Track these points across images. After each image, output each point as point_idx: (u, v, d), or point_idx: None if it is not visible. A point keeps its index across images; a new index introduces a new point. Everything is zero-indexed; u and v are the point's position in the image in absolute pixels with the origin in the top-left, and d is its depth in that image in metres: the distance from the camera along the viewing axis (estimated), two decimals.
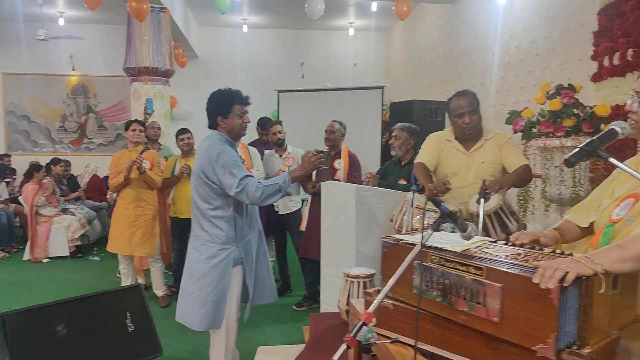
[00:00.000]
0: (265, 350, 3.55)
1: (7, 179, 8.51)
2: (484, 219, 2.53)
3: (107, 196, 8.25)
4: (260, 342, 4.07)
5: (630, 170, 1.48)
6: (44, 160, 8.10)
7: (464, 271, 1.49)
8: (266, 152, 5.47)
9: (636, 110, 1.63)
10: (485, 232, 2.58)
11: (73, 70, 9.77)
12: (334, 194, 3.92)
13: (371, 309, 1.47)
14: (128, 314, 3.38)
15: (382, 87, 7.57)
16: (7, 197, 8.15)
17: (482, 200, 2.51)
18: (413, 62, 9.25)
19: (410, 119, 5.75)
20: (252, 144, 5.83)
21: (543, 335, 1.30)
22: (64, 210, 7.48)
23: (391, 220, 3.05)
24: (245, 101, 2.97)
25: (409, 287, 1.65)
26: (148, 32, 6.91)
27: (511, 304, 1.37)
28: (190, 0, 8.78)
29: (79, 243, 7.30)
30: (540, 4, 5.22)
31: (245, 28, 9.79)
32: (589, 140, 1.57)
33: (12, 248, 7.52)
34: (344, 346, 1.43)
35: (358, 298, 2.53)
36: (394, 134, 4.29)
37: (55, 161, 7.89)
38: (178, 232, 5.27)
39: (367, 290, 1.96)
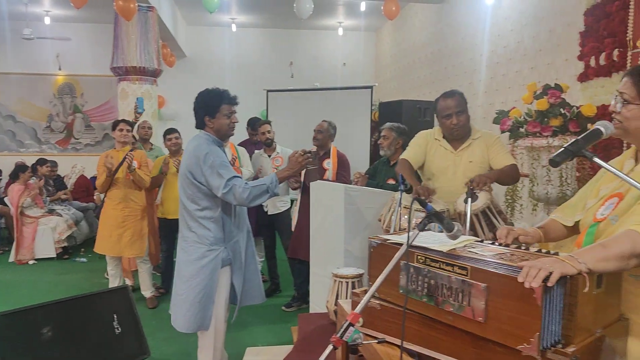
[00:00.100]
0: (254, 352, 3.54)
1: None
2: (471, 218, 2.54)
3: (95, 197, 8.17)
4: (249, 343, 4.06)
5: (614, 169, 1.49)
6: (30, 161, 8.01)
7: (449, 271, 1.49)
8: (256, 152, 5.46)
9: (619, 110, 1.64)
10: (473, 231, 2.59)
11: (59, 69, 9.68)
12: (322, 194, 3.91)
13: (358, 309, 1.46)
14: (115, 316, 3.34)
15: (371, 87, 7.58)
16: None
17: (469, 199, 2.52)
18: (402, 61, 9.27)
19: (399, 119, 5.76)
20: (242, 144, 5.82)
21: (527, 334, 1.31)
22: (51, 211, 7.40)
23: (379, 220, 3.05)
24: (233, 101, 2.95)
25: (395, 287, 1.65)
26: (135, 31, 6.87)
27: (496, 303, 1.38)
28: None
29: (65, 244, 7.23)
30: (528, 4, 5.26)
31: (234, 27, 9.75)
32: (573, 140, 1.58)
33: None
34: (330, 347, 1.43)
35: (346, 298, 2.53)
36: (382, 133, 4.29)
37: (41, 161, 7.81)
38: (166, 232, 5.24)
39: (354, 290, 1.96)
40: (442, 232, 1.70)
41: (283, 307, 4.97)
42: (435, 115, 3.21)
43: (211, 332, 2.93)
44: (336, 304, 2.51)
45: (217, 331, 2.95)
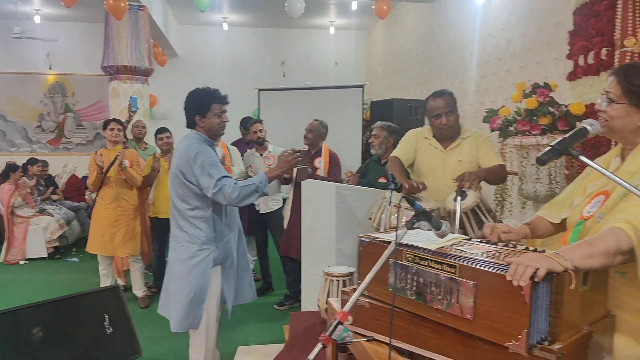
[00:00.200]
0: (245, 350, 3.55)
1: None
2: (461, 216, 2.55)
3: (86, 196, 8.14)
4: (241, 342, 4.07)
5: (599, 168, 1.51)
6: (20, 161, 7.96)
7: (437, 269, 1.51)
8: (248, 151, 5.46)
9: (605, 109, 1.66)
10: (463, 229, 2.60)
11: (50, 68, 9.60)
12: (314, 193, 3.92)
13: (346, 307, 1.47)
14: (106, 316, 3.33)
15: (362, 86, 7.59)
16: None
17: (459, 198, 2.54)
18: (393, 60, 9.29)
19: (390, 118, 5.79)
20: (235, 143, 5.82)
21: (515, 331, 1.32)
22: (42, 211, 7.37)
23: (370, 219, 3.06)
24: (223, 100, 2.95)
25: (384, 286, 1.66)
26: (126, 30, 6.83)
27: (484, 301, 1.39)
28: None
29: (57, 244, 7.20)
30: (517, 4, 5.28)
31: (225, 26, 9.72)
32: (560, 138, 1.59)
33: None
34: (319, 345, 1.43)
35: (337, 297, 2.54)
36: (373, 132, 4.31)
37: (32, 161, 7.76)
38: (158, 232, 5.23)
39: (343, 289, 1.97)
40: (431, 230, 1.72)
41: (275, 306, 4.98)
42: (425, 114, 3.22)
43: (203, 332, 2.93)
44: (327, 302, 2.51)
45: (208, 330, 2.95)
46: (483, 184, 3.02)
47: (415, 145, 3.17)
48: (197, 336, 2.96)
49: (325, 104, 7.38)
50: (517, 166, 3.43)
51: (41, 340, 2.97)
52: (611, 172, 1.56)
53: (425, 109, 3.12)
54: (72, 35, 9.56)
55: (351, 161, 6.50)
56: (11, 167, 7.31)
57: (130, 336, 3.44)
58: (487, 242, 1.71)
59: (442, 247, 1.59)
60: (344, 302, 1.83)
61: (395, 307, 1.58)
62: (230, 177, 2.80)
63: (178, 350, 3.85)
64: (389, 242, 1.57)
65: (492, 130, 3.54)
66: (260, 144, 5.28)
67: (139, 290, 5.15)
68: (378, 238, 1.74)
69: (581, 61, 3.94)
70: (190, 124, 2.96)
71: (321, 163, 4.70)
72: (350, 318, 1.71)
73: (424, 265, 1.54)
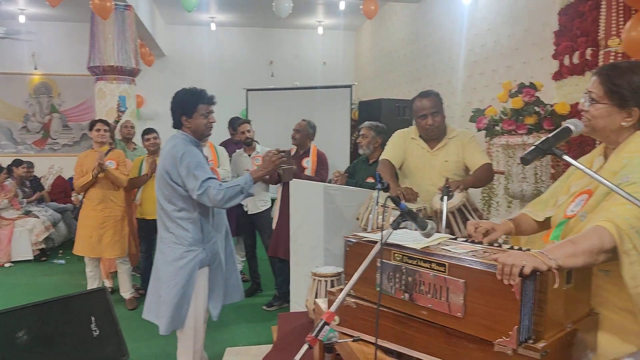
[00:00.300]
0: (234, 352, 3.54)
1: None
2: (447, 216, 2.57)
3: (73, 198, 8.07)
4: (229, 343, 4.05)
5: (582, 167, 1.52)
6: (5, 162, 7.87)
7: (426, 268, 1.51)
8: (237, 151, 5.44)
9: (588, 108, 1.67)
10: (450, 229, 2.62)
11: (35, 69, 9.50)
12: (302, 193, 3.92)
13: (333, 308, 1.47)
14: (93, 318, 3.29)
15: (350, 86, 7.60)
16: None
17: (445, 197, 2.55)
18: (381, 60, 9.31)
19: (379, 118, 5.79)
20: (223, 143, 5.80)
21: (505, 328, 1.33)
22: (27, 213, 7.29)
23: (357, 219, 3.07)
24: (210, 101, 2.94)
25: (371, 286, 1.66)
26: (112, 30, 6.78)
27: (474, 298, 1.41)
28: None
29: (43, 246, 7.13)
30: (504, 4, 5.32)
31: (213, 26, 9.69)
32: (544, 138, 1.61)
33: None
34: (306, 346, 1.43)
35: (325, 297, 2.54)
36: (361, 132, 4.32)
37: (17, 162, 7.68)
38: (145, 233, 5.19)
39: (330, 289, 1.97)
40: (417, 230, 1.72)
41: (264, 307, 4.97)
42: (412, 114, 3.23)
43: (190, 334, 2.92)
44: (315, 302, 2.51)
45: (196, 332, 2.94)
46: None
47: (403, 145, 3.18)
48: (185, 338, 2.95)
49: (314, 104, 7.38)
50: (504, 165, 3.46)
51: (26, 344, 2.93)
52: (594, 171, 1.57)
53: (412, 109, 3.13)
54: (58, 35, 9.47)
55: (340, 161, 6.51)
56: None
57: (118, 339, 3.40)
58: (473, 242, 1.72)
59: (427, 246, 1.59)
60: (330, 303, 1.83)
61: (382, 306, 1.58)
62: (216, 179, 2.78)
63: (166, 352, 3.83)
64: (375, 242, 1.57)
65: (479, 129, 3.56)
66: (248, 145, 5.27)
67: (126, 292, 5.12)
68: (364, 238, 1.74)
69: (566, 61, 3.98)
70: (177, 125, 2.94)
71: (309, 163, 4.70)
72: (336, 318, 1.71)
73: (413, 265, 1.55)
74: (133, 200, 5.34)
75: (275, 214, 4.89)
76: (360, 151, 4.36)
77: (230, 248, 3.13)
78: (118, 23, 6.79)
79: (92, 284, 4.96)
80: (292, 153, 4.83)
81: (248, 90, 8.23)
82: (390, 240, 1.60)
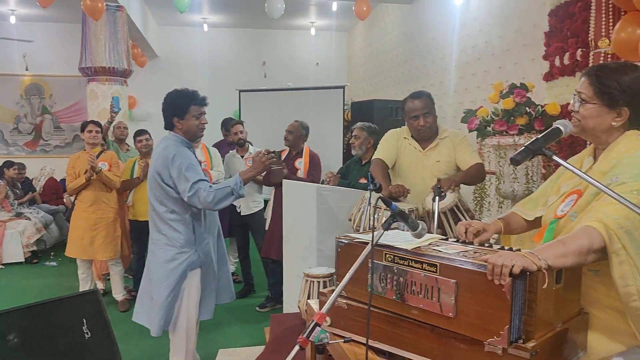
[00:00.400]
0: (226, 353, 3.53)
1: None
2: (439, 216, 2.58)
3: (65, 199, 8.03)
4: (222, 344, 4.05)
5: (572, 167, 1.53)
6: None
7: (418, 268, 1.51)
8: (230, 152, 5.43)
9: (578, 109, 1.69)
10: (442, 229, 2.63)
11: (26, 70, 9.44)
12: (295, 194, 3.92)
13: (324, 309, 1.47)
14: (84, 320, 3.28)
15: (343, 87, 7.61)
16: None
17: (437, 198, 2.56)
18: (374, 61, 9.32)
19: (371, 119, 5.80)
20: (216, 145, 5.79)
21: (496, 328, 1.34)
22: (19, 215, 7.24)
23: (350, 220, 3.07)
24: (202, 102, 2.93)
25: (362, 286, 1.67)
26: (104, 31, 6.75)
27: (465, 298, 1.41)
28: None
29: (34, 248, 7.08)
30: (495, 5, 5.34)
31: (205, 27, 9.67)
32: (534, 139, 1.61)
33: None
34: (297, 347, 1.43)
35: (318, 298, 2.54)
36: (354, 133, 4.33)
37: (8, 164, 7.62)
38: (137, 234, 5.17)
39: (321, 290, 1.97)
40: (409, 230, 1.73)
41: (257, 308, 4.96)
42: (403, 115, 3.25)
43: (183, 335, 2.91)
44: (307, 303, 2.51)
45: (188, 334, 2.93)
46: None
47: (396, 145, 3.19)
48: (177, 339, 2.94)
49: (307, 105, 7.37)
50: (495, 166, 3.47)
51: (17, 347, 2.91)
52: (584, 172, 1.59)
53: (404, 110, 3.14)
54: (49, 35, 9.41)
55: (333, 162, 6.51)
56: None
57: (110, 341, 3.39)
58: (464, 242, 1.72)
59: (418, 247, 1.60)
60: (322, 304, 1.83)
61: (373, 307, 1.58)
62: (206, 181, 2.77)
63: (158, 354, 3.82)
64: (367, 243, 1.57)
65: (470, 130, 3.57)
66: (241, 146, 5.26)
67: (118, 294, 5.10)
68: (356, 239, 1.74)
69: (557, 62, 4.00)
70: (169, 126, 2.94)
71: (302, 164, 4.70)
72: (328, 319, 1.72)
73: (404, 265, 1.55)
74: (125, 201, 5.32)
75: (268, 215, 4.89)
76: (353, 152, 4.36)
77: (222, 249, 3.13)
78: (110, 24, 6.76)
79: (84, 286, 4.94)
80: (285, 154, 4.82)
81: (240, 91, 8.21)
82: (381, 241, 1.60)
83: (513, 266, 1.33)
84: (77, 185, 4.80)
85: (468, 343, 1.40)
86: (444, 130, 3.14)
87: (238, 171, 5.09)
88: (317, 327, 1.43)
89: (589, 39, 3.47)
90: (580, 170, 1.53)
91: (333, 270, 2.67)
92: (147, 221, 3.05)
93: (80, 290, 4.78)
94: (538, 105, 3.37)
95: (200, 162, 4.37)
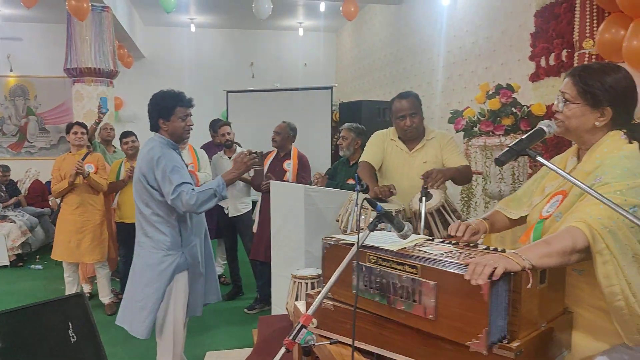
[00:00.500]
0: (214, 355, 3.52)
1: None
2: (426, 216, 2.58)
3: (50, 202, 7.94)
4: (211, 347, 4.03)
5: (556, 168, 1.53)
6: None
7: (400, 270, 1.51)
8: (218, 153, 5.40)
9: (562, 109, 1.70)
10: (428, 229, 2.63)
11: (11, 70, 9.33)
12: (283, 195, 3.91)
13: (310, 311, 1.47)
14: (70, 324, 3.25)
15: (331, 88, 7.61)
16: None
17: (424, 198, 2.56)
18: (362, 62, 9.34)
19: (359, 119, 5.82)
20: (205, 146, 5.76)
21: (475, 330, 1.34)
22: (3, 218, 7.16)
23: (337, 221, 3.07)
24: (188, 104, 2.92)
25: (348, 288, 1.66)
26: (89, 31, 6.69)
27: (445, 301, 1.41)
28: None
29: (19, 251, 7.00)
30: (482, 6, 5.37)
31: (192, 28, 9.62)
32: (518, 139, 1.62)
33: None
34: (283, 350, 1.43)
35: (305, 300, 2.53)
36: (341, 134, 4.33)
37: None
38: (124, 237, 5.12)
39: (308, 292, 1.96)
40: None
41: (245, 310, 4.94)
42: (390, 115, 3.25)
43: (170, 338, 2.89)
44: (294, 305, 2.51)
45: (175, 337, 2.91)
46: (449, 184, 3.06)
47: (382, 146, 3.20)
48: (164, 343, 2.92)
49: (295, 106, 7.37)
50: (482, 166, 3.49)
51: (2, 351, 2.87)
52: (568, 172, 1.60)
53: (391, 110, 3.15)
54: (34, 36, 9.31)
55: (321, 163, 6.51)
56: None
57: (96, 344, 3.36)
58: (449, 242, 1.73)
59: (404, 248, 1.60)
60: (308, 305, 1.83)
61: (359, 308, 1.58)
62: (190, 183, 2.74)
63: (146, 357, 3.79)
64: (353, 244, 1.57)
65: (457, 131, 3.59)
66: (228, 147, 5.24)
67: (105, 297, 5.05)
68: (342, 240, 1.74)
69: (543, 62, 4.03)
70: (154, 127, 2.91)
71: (290, 165, 4.69)
72: (314, 321, 1.71)
73: (387, 267, 1.55)
74: (112, 204, 5.27)
75: (256, 217, 4.87)
76: (341, 153, 4.36)
77: (209, 250, 3.12)
78: (95, 24, 6.70)
79: (70, 289, 4.89)
80: (273, 155, 4.81)
81: (228, 92, 8.19)
82: (368, 242, 1.60)
83: (496, 268, 1.33)
84: (61, 188, 4.75)
85: (454, 344, 1.40)
86: (431, 131, 3.15)
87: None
88: (304, 329, 1.42)
89: (574, 39, 3.50)
90: (564, 171, 1.54)
91: (320, 272, 2.67)
92: (134, 223, 3.03)
93: (66, 293, 4.72)
94: (524, 105, 3.39)
95: (187, 164, 4.36)
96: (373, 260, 1.59)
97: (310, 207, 3.58)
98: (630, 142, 1.64)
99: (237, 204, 5.17)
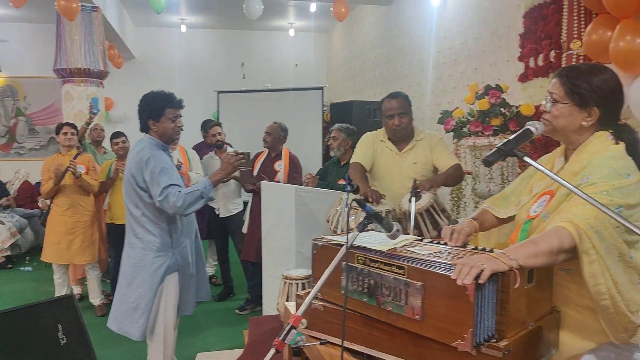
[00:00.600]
0: (205, 356, 3.51)
1: None
2: (416, 217, 2.59)
3: (40, 203, 7.88)
4: (201, 348, 4.02)
5: (543, 168, 1.55)
6: None
7: (387, 271, 1.52)
8: (209, 153, 5.39)
9: (549, 109, 1.71)
10: (418, 230, 2.65)
11: (0, 71, 9.26)
12: (273, 196, 3.91)
13: (299, 311, 1.47)
14: (60, 326, 3.23)
15: (322, 88, 7.62)
16: None
17: (413, 199, 2.57)
18: (353, 63, 9.35)
19: (350, 120, 5.83)
20: (196, 147, 5.74)
21: (461, 331, 1.34)
22: None
23: (328, 221, 3.08)
24: (178, 105, 2.91)
25: (338, 288, 1.67)
26: (79, 31, 6.65)
27: (431, 301, 1.41)
28: None
29: (9, 253, 6.94)
30: (471, 7, 5.40)
31: (183, 28, 9.59)
32: (506, 140, 1.64)
33: None
34: (272, 350, 1.43)
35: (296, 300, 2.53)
36: (332, 134, 4.34)
37: None
38: (114, 238, 5.10)
39: (298, 293, 1.97)
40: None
41: (237, 311, 4.93)
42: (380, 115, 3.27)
43: (160, 340, 2.89)
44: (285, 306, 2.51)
45: (166, 338, 2.91)
46: None
47: (372, 147, 3.21)
48: (155, 344, 2.91)
49: (285, 106, 7.37)
50: (471, 166, 3.51)
51: None
52: (555, 172, 1.61)
53: (381, 109, 3.16)
54: (23, 36, 9.23)
55: (312, 163, 6.51)
56: None
57: (86, 346, 3.34)
58: (438, 243, 1.74)
59: (393, 248, 1.60)
60: (298, 306, 1.83)
61: (348, 309, 1.59)
62: (177, 185, 2.74)
63: (136, 359, 3.77)
64: (342, 245, 1.58)
65: (447, 131, 3.61)
66: (219, 147, 5.23)
67: (95, 299, 5.03)
68: (331, 241, 1.75)
69: (531, 63, 4.05)
70: (144, 128, 2.91)
71: (281, 166, 4.68)
72: (304, 322, 1.72)
73: (375, 267, 1.56)
74: (102, 205, 5.25)
75: (247, 217, 4.87)
76: (332, 153, 4.37)
77: (200, 249, 3.12)
78: (85, 24, 6.66)
79: (60, 291, 4.86)
80: (264, 156, 4.80)
81: (219, 92, 8.17)
82: (357, 243, 1.60)
83: (483, 270, 1.34)
84: (48, 189, 4.72)
85: (443, 344, 1.41)
86: (420, 132, 3.17)
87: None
88: (293, 330, 1.43)
89: (562, 40, 3.53)
90: (551, 171, 1.56)
91: (311, 272, 2.67)
92: (124, 224, 3.02)
93: (56, 295, 4.69)
94: (513, 106, 3.41)
95: (179, 165, 4.36)
96: (361, 261, 1.60)
97: (301, 208, 3.58)
98: (616, 143, 1.66)
99: (228, 204, 5.16)
